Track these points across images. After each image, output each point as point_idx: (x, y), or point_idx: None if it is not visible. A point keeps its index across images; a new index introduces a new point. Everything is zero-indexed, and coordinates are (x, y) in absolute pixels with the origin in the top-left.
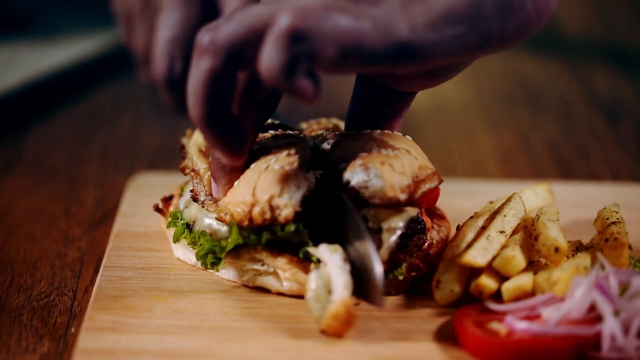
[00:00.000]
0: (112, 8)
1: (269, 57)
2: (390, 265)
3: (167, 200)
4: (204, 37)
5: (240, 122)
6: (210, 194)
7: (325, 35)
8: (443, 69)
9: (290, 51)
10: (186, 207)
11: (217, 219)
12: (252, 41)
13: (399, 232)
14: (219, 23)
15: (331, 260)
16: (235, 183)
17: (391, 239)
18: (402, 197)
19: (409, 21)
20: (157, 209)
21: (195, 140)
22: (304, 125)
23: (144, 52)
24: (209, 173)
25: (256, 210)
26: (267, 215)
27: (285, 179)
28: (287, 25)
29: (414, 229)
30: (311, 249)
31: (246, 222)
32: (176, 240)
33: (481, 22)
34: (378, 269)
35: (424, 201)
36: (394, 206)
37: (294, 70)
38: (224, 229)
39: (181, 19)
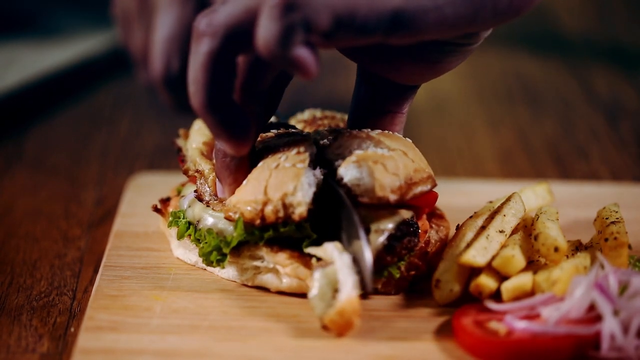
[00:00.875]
0: (112, 11)
1: (264, 29)
2: (377, 266)
3: (165, 201)
4: (201, 21)
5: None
6: (215, 195)
7: (319, 3)
8: (440, 52)
9: (285, 20)
10: (189, 207)
11: (225, 218)
12: (248, 21)
13: (387, 234)
14: (215, 7)
15: (341, 260)
16: (244, 182)
17: (378, 240)
18: (392, 197)
19: None
20: (155, 209)
21: (194, 143)
22: (318, 114)
23: (142, 53)
24: (214, 174)
25: (269, 209)
26: (281, 214)
27: (298, 177)
28: None
29: (404, 231)
30: (312, 249)
31: (258, 221)
32: (180, 237)
33: None
34: (367, 254)
35: (420, 204)
36: (388, 208)
37: (290, 39)
38: (229, 228)
39: (177, 18)
